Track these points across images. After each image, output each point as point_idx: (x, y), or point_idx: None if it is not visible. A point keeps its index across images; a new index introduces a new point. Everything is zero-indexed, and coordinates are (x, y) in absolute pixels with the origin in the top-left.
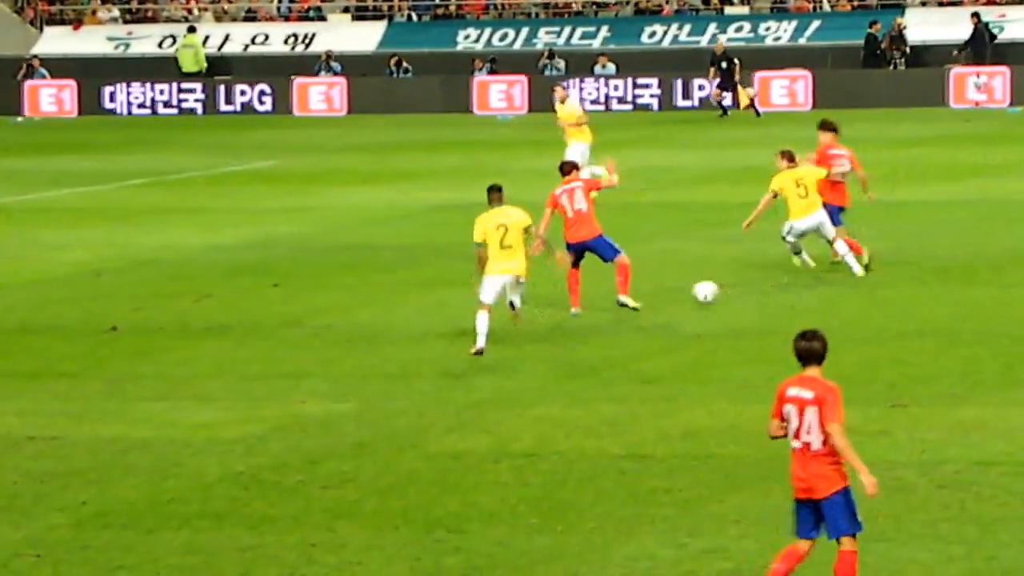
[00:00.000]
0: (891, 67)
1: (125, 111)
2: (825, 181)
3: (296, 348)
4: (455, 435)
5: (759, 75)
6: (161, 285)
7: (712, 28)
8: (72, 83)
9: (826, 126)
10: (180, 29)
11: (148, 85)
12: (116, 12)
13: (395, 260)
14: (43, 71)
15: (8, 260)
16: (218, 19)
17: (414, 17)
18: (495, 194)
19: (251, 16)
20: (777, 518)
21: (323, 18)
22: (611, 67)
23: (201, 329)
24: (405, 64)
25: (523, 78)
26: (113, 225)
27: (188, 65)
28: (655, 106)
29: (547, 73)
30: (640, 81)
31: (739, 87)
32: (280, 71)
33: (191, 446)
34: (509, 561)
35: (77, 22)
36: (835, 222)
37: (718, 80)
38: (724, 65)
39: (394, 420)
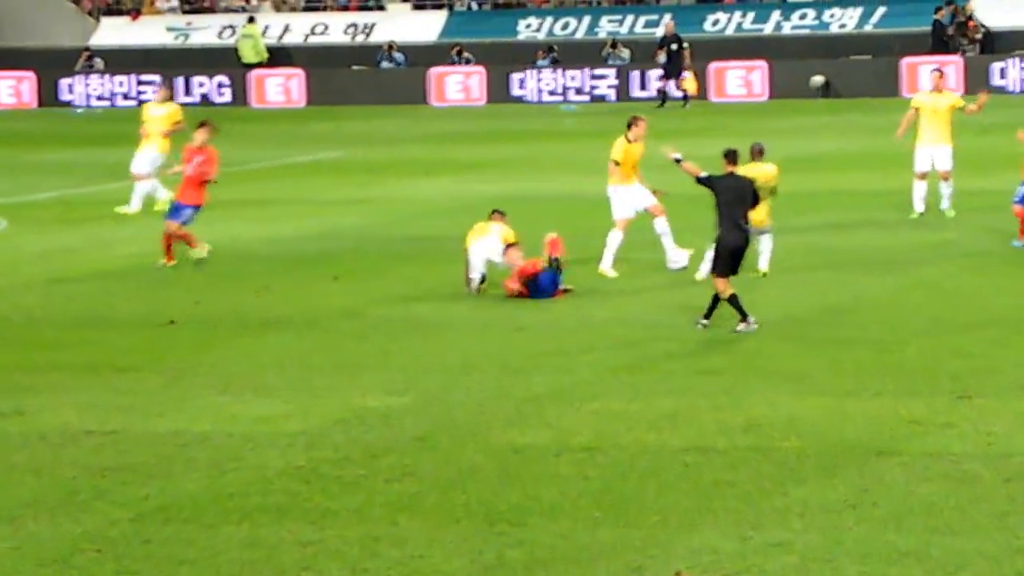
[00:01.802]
0: (960, 54)
1: (186, 101)
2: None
3: (356, 340)
4: (515, 429)
5: (821, 64)
6: (220, 278)
7: (776, 16)
8: (127, 76)
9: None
10: (240, 19)
11: (205, 76)
12: (175, 2)
13: (455, 252)
14: (98, 61)
15: (67, 253)
16: (277, 9)
17: (474, 6)
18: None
19: (312, 6)
20: (842, 511)
21: (383, 7)
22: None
23: (260, 322)
24: (467, 54)
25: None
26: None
27: (248, 56)
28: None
29: (610, 63)
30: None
31: (687, 74)
32: (340, 61)
33: (251, 440)
34: (571, 555)
35: (135, 12)
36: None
37: (664, 64)
38: (674, 48)
39: (454, 413)
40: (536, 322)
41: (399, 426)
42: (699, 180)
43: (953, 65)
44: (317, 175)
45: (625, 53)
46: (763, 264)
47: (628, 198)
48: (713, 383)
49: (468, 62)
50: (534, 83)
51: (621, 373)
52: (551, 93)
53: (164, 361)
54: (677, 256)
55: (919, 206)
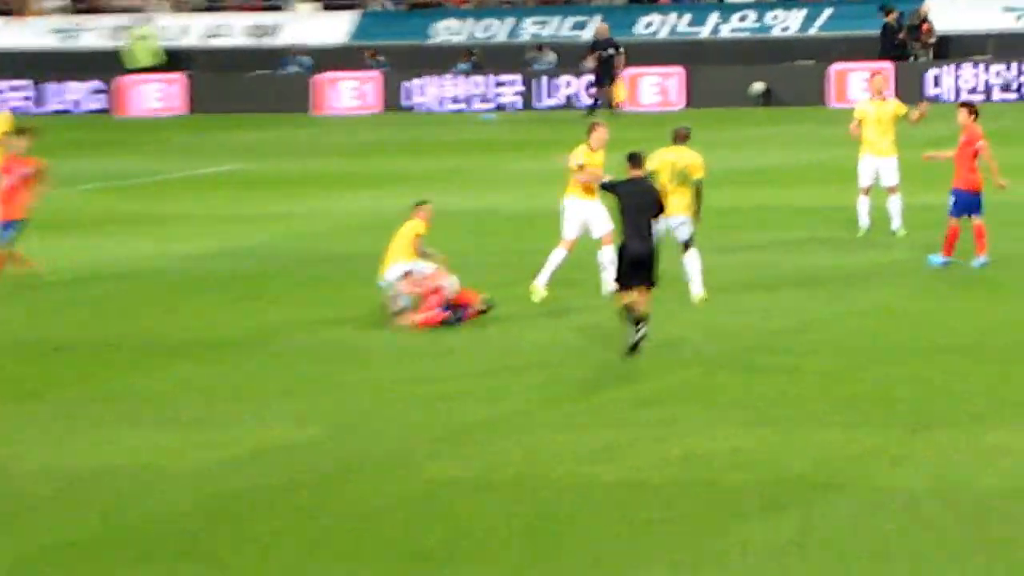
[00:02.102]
0: (912, 60)
1: (75, 108)
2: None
3: (264, 367)
4: (438, 461)
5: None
6: (121, 299)
7: (714, 18)
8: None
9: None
10: (133, 20)
11: (87, 81)
12: (63, 1)
13: (373, 271)
14: None
15: None
16: (176, 9)
17: (389, 6)
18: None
19: (214, 6)
20: (786, 551)
21: (281, 7)
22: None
23: (161, 347)
24: (380, 57)
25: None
26: (64, 234)
27: (143, 59)
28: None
29: (535, 67)
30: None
31: (616, 81)
32: (241, 65)
33: (151, 475)
34: None
35: (15, 12)
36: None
37: (594, 69)
38: (608, 52)
39: (371, 445)
40: (463, 346)
41: (311, 459)
42: (603, 186)
43: (886, 71)
44: (218, 189)
45: (551, 56)
46: (696, 289)
47: (582, 216)
48: (651, 413)
49: (383, 67)
50: (435, 90)
51: (553, 402)
52: (454, 101)
53: (56, 389)
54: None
55: (864, 222)
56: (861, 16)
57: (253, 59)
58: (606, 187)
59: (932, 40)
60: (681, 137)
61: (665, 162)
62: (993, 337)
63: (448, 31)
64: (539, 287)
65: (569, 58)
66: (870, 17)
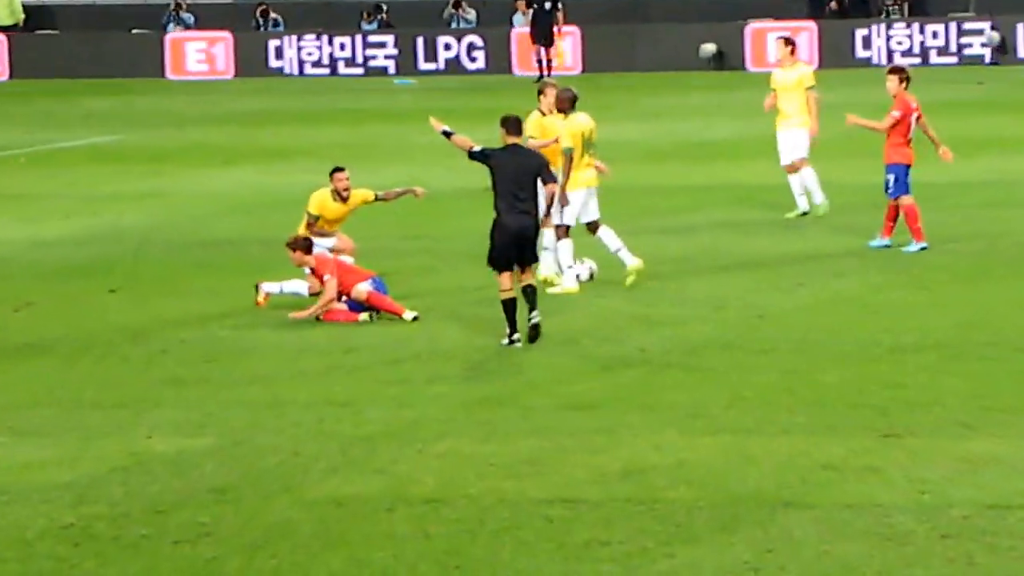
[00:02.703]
0: (883, 16)
1: None
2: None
3: (141, 369)
4: (339, 477)
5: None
6: None
7: None
8: None
9: None
10: None
11: None
12: None
13: (265, 259)
14: None
15: None
16: None
17: None
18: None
19: None
20: None
21: None
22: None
23: (19, 346)
24: (275, 15)
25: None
26: None
27: (1, 17)
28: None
29: (454, 26)
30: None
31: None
32: (117, 23)
33: (7, 493)
34: None
35: None
36: None
37: (531, 22)
38: (547, 7)
39: (263, 458)
40: (369, 344)
41: (193, 475)
42: (472, 155)
43: (807, 32)
44: (89, 164)
45: (471, 15)
46: (628, 260)
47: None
48: (586, 420)
49: (276, 26)
50: (293, 52)
51: (474, 407)
52: (315, 65)
53: None
54: (569, 276)
55: (801, 203)
56: None
57: (128, 17)
58: (476, 156)
59: None
60: (567, 102)
61: (577, 130)
62: (970, 332)
63: None
64: (569, 285)
65: (496, 16)
66: None
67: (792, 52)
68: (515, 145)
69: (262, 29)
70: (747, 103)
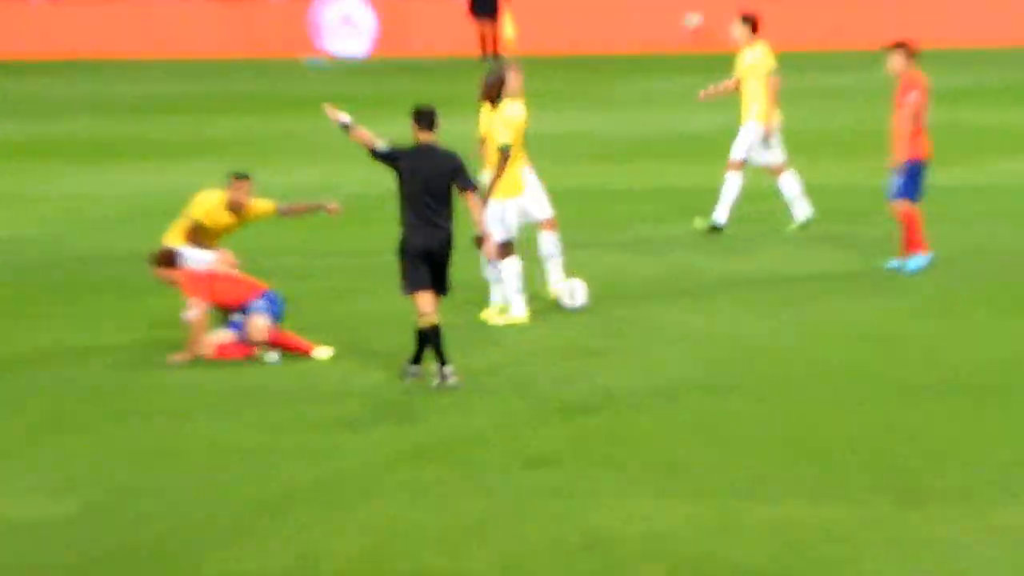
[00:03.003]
0: None
1: None
2: None
3: (6, 413)
4: (236, 550)
5: None
6: None
7: None
8: None
9: None
10: None
11: None
12: None
13: (143, 280)
14: None
15: None
16: None
17: None
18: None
19: None
20: None
21: None
22: None
23: None
24: None
25: None
26: None
27: None
28: None
29: None
30: None
31: (500, 14)
32: None
33: None
34: None
35: None
36: None
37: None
38: None
39: (142, 527)
40: (275, 384)
41: (56, 548)
42: (375, 154)
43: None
44: None
45: None
46: (556, 282)
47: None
48: (540, 479)
49: None
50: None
51: (403, 462)
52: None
53: None
54: (570, 291)
55: (798, 213)
56: None
57: None
58: (381, 156)
59: None
60: (493, 88)
61: (519, 123)
62: (1009, 371)
63: None
64: (517, 314)
65: None
66: None
67: (753, 30)
68: (428, 144)
69: None
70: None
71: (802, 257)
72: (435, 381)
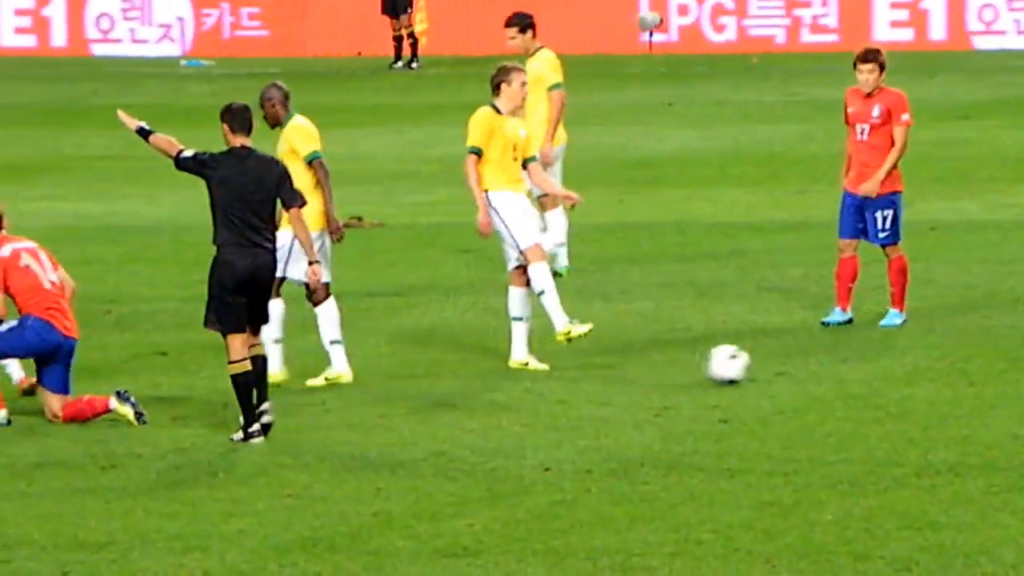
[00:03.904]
0: None
1: None
2: None
3: None
4: None
5: None
6: None
7: None
8: None
9: None
10: None
11: None
12: None
13: None
14: None
15: None
16: None
17: None
18: None
19: None
20: None
21: None
22: None
23: None
24: None
25: None
26: None
27: None
28: None
29: None
30: None
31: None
32: None
33: None
34: None
35: None
36: None
37: None
38: None
39: None
40: (134, 452)
41: None
42: (180, 162)
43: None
44: None
45: None
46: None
47: (518, 213)
48: (457, 570)
49: None
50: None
51: (293, 552)
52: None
53: None
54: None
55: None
56: None
57: None
58: (186, 163)
59: None
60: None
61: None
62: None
63: None
64: (519, 358)
65: None
66: None
67: (531, 35)
68: (245, 149)
69: None
70: (706, 99)
71: (792, 307)
72: (237, 436)
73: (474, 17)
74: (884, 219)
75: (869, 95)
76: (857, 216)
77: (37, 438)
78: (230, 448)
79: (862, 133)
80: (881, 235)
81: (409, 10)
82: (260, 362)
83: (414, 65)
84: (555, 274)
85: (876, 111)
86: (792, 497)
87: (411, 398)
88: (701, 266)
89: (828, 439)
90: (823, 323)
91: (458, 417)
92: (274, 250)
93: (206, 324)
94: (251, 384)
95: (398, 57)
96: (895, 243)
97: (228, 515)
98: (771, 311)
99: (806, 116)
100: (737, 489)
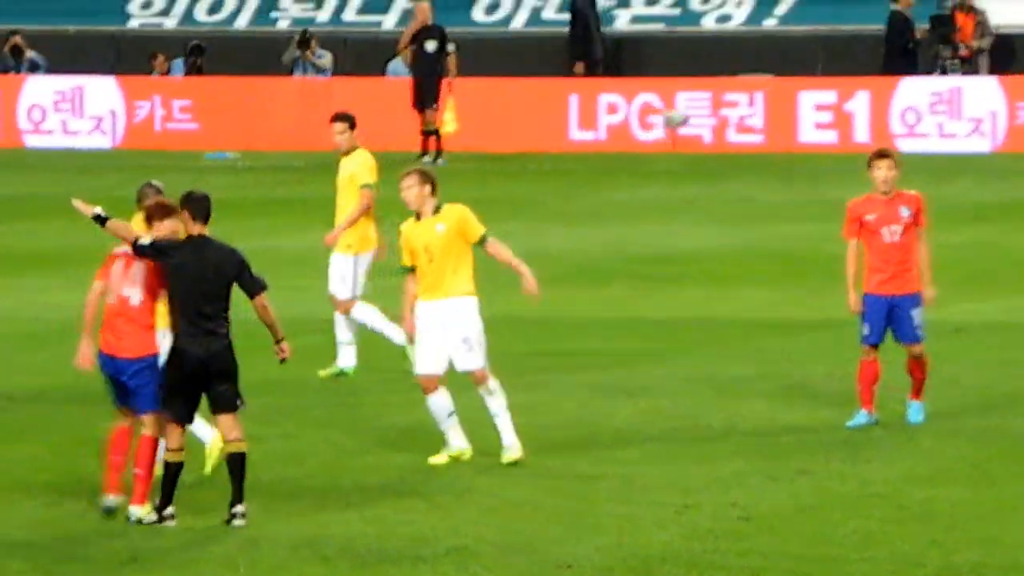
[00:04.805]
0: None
1: None
2: None
3: None
4: None
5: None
6: None
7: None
8: None
9: None
10: None
11: None
12: None
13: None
14: None
15: None
16: None
17: None
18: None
19: None
20: None
21: None
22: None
23: None
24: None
25: None
26: None
27: None
28: None
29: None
30: None
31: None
32: None
33: None
34: None
35: None
36: None
37: (416, 77)
38: (429, 48)
39: None
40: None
41: None
42: (138, 249)
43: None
44: None
45: (326, 59)
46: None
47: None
48: None
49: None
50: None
51: None
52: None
53: None
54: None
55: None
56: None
57: None
58: (144, 251)
59: (981, 43)
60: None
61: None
62: None
63: (147, 11)
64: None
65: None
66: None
67: (351, 127)
68: (203, 238)
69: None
70: (729, 198)
71: (814, 405)
72: (148, 517)
73: (498, 114)
74: (917, 317)
75: (889, 197)
76: (887, 318)
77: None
78: (253, 537)
79: (892, 235)
80: (918, 332)
81: (435, 105)
82: (236, 460)
83: (439, 161)
84: (341, 372)
85: (905, 211)
86: None
87: (432, 492)
88: (723, 363)
89: (851, 538)
90: (848, 427)
91: (478, 512)
92: (228, 335)
93: (159, 408)
94: (177, 474)
95: (424, 151)
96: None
97: None
98: (794, 409)
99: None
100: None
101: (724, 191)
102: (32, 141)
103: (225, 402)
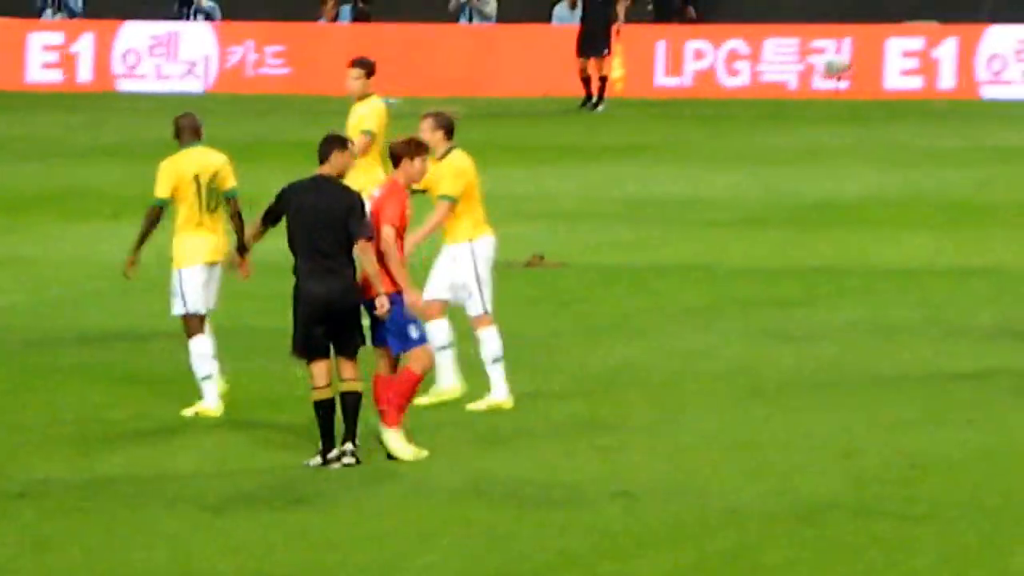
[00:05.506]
0: None
1: None
2: None
3: None
4: None
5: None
6: None
7: None
8: None
9: None
10: None
11: None
12: None
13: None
14: None
15: None
16: None
17: None
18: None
19: None
20: None
21: None
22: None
23: None
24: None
25: None
26: None
27: None
28: None
29: (464, 20)
30: None
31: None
32: None
33: None
34: None
35: None
36: None
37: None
38: None
39: None
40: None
41: None
42: (268, 218)
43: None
44: None
45: (490, 6)
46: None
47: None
48: None
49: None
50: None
51: None
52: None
53: None
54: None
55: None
56: None
57: None
58: (273, 213)
59: None
60: (190, 132)
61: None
62: None
63: None
64: (500, 397)
65: (528, 2)
66: None
67: (368, 75)
68: (321, 178)
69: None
70: (880, 142)
71: (981, 351)
72: (314, 460)
73: (660, 58)
74: None
75: None
76: None
77: (227, 474)
78: (418, 481)
79: None
80: None
81: (606, 52)
82: (351, 398)
83: (600, 107)
84: None
85: None
86: (982, 543)
87: (597, 436)
88: (885, 309)
89: (1020, 485)
90: None
91: (643, 457)
92: (351, 276)
93: (291, 353)
94: (329, 413)
95: (588, 97)
96: None
97: (416, 550)
98: (960, 356)
99: (986, 161)
100: (926, 535)
101: (881, 135)
102: (125, 85)
103: (347, 341)
